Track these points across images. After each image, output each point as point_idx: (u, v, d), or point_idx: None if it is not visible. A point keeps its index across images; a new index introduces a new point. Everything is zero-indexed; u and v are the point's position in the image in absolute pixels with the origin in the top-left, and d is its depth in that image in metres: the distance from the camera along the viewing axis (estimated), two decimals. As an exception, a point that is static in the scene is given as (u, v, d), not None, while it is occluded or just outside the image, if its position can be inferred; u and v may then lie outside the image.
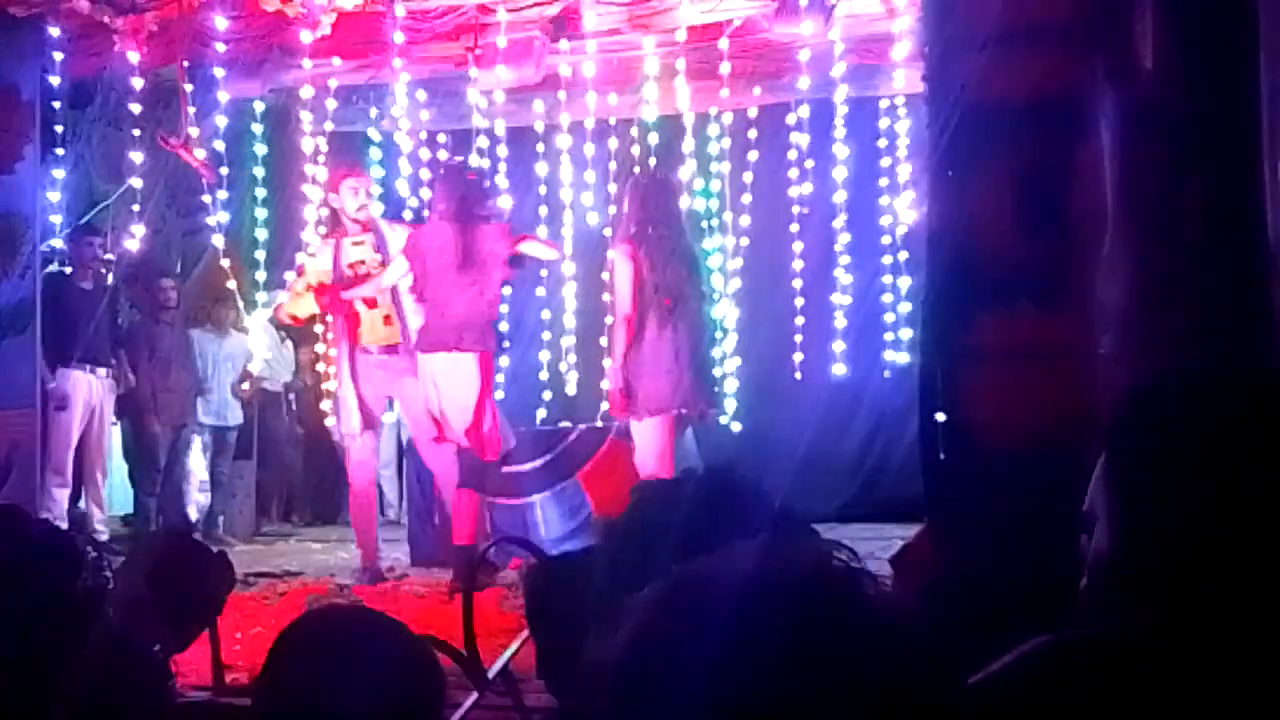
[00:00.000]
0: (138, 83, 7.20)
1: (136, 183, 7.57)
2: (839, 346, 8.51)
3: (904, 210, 8.13)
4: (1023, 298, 3.13)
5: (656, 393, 6.28)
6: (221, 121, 7.59)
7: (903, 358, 8.38)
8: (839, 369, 8.51)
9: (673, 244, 6.45)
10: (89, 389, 7.89)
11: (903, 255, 8.30)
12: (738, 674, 0.87)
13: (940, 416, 3.28)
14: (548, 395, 8.66)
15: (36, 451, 7.06)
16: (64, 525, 6.25)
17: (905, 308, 8.34)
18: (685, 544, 1.49)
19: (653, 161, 8.27)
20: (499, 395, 8.90)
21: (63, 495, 7.72)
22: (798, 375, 8.72)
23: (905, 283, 8.27)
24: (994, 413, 3.20)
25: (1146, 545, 1.30)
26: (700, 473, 1.75)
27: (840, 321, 8.58)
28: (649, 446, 6.33)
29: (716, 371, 8.71)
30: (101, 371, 7.97)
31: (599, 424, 7.68)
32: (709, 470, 1.76)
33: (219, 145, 7.59)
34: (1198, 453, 1.30)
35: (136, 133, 7.47)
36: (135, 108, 7.35)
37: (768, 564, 0.93)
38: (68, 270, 7.98)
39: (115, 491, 8.73)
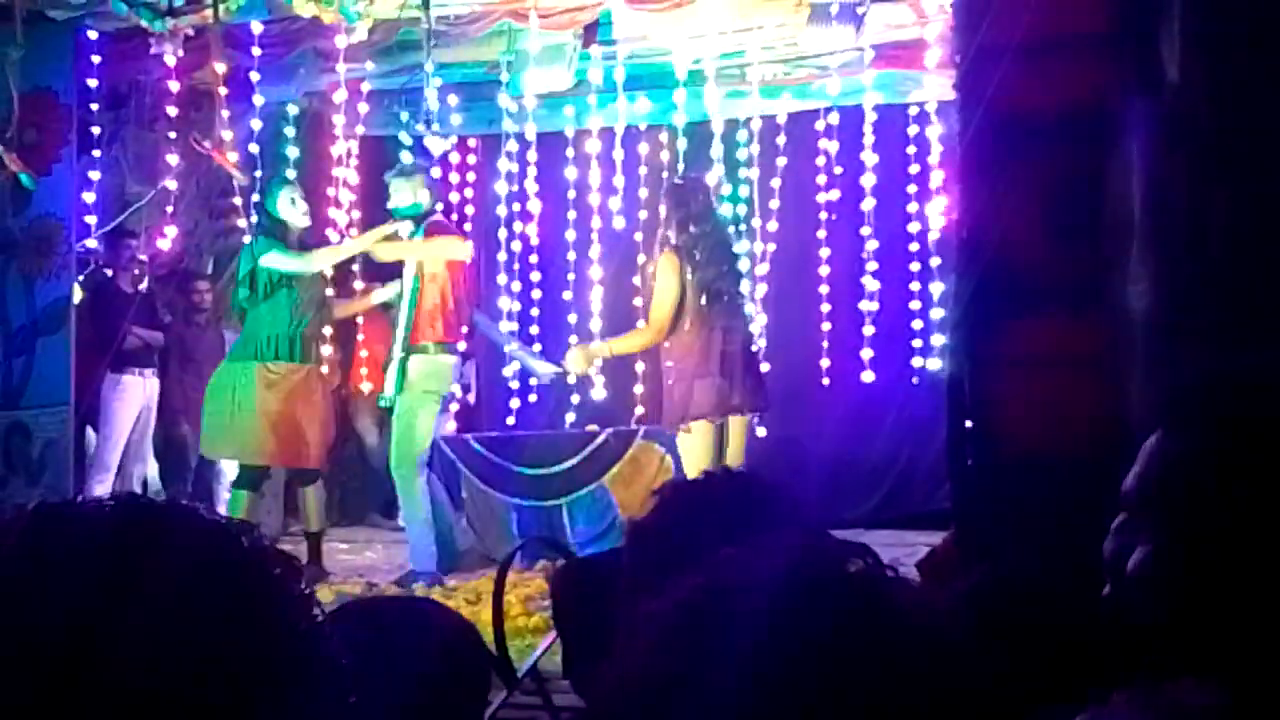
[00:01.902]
0: (174, 86, 7.28)
1: (171, 185, 7.66)
2: (867, 353, 8.51)
3: (935, 216, 8.13)
4: (1053, 305, 3.15)
5: (695, 399, 6.24)
6: (255, 125, 7.68)
7: (933, 364, 8.38)
8: (868, 375, 8.50)
9: (715, 240, 6.47)
10: (142, 392, 8.02)
11: (935, 261, 8.30)
12: (766, 685, 0.86)
13: (968, 423, 3.29)
14: (575, 399, 8.70)
15: (70, 450, 7.13)
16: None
17: (937, 314, 8.34)
18: (708, 546, 1.51)
19: (681, 166, 8.30)
20: (531, 398, 8.99)
21: (104, 492, 7.80)
22: (825, 381, 8.73)
23: (938, 288, 8.26)
24: (1022, 420, 3.21)
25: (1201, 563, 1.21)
26: (721, 475, 1.76)
27: (869, 327, 8.58)
28: (694, 454, 6.26)
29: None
30: (149, 372, 8.09)
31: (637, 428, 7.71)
32: (730, 472, 1.77)
33: (252, 148, 7.66)
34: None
35: (172, 135, 7.55)
36: (171, 111, 7.43)
37: (792, 571, 0.93)
38: (109, 273, 8.08)
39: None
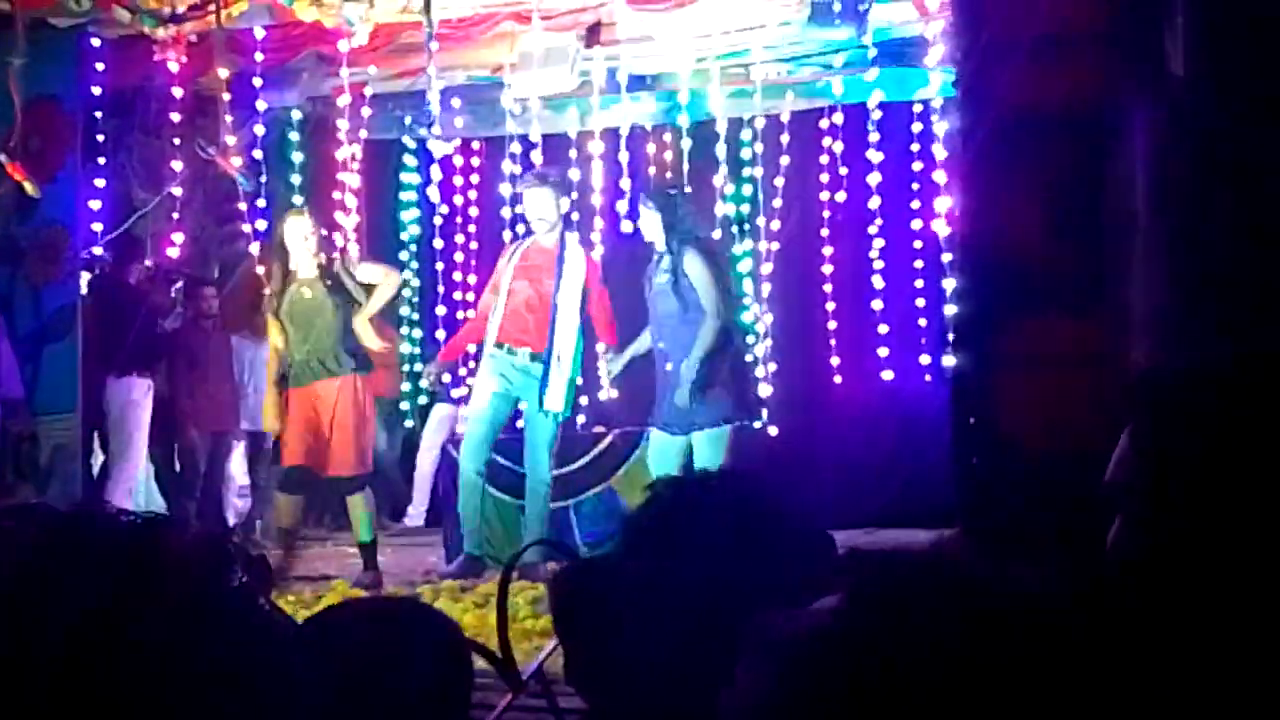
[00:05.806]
0: (177, 92, 7.29)
1: (176, 191, 7.67)
2: (875, 351, 8.50)
3: (940, 214, 8.11)
4: (1057, 304, 3.14)
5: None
6: (259, 130, 7.68)
7: (945, 360, 8.35)
8: (876, 373, 8.49)
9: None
10: (141, 394, 8.03)
11: (946, 257, 8.28)
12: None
13: (972, 421, 3.28)
14: (584, 400, 8.69)
15: (78, 456, 7.14)
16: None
17: (949, 310, 8.30)
18: (706, 546, 1.51)
19: (685, 166, 8.28)
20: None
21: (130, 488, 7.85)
22: (838, 379, 8.71)
23: (950, 284, 8.22)
24: (1028, 418, 3.20)
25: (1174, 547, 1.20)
26: (719, 475, 1.74)
27: (875, 326, 8.56)
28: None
29: (759, 372, 8.74)
30: (147, 374, 8.10)
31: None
32: (729, 473, 1.77)
33: (256, 153, 7.67)
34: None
35: (177, 142, 7.55)
36: (175, 117, 7.44)
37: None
38: (113, 277, 8.09)
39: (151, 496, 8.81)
